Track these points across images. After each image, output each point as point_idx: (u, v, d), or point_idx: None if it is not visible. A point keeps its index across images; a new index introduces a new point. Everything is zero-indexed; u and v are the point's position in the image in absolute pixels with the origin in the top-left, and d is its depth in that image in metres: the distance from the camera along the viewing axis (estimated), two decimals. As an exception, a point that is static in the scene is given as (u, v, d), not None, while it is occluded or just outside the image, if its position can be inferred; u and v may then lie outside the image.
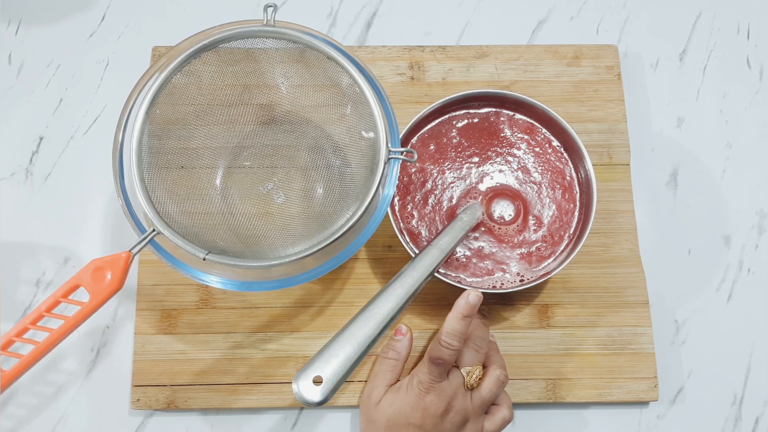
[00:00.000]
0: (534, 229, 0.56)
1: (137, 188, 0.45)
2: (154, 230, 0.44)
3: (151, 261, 0.58)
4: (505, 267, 0.55)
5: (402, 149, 0.47)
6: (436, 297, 0.58)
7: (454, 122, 0.59)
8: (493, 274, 0.55)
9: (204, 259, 0.44)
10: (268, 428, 0.57)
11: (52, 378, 0.57)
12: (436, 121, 0.59)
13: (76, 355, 0.58)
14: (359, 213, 0.46)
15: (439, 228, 0.56)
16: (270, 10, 0.48)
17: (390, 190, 0.49)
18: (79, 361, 0.58)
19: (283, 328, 0.57)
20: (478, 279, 0.55)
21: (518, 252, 0.56)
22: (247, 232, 0.53)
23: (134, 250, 0.44)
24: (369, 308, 0.49)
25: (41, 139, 0.63)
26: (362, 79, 0.48)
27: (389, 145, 0.47)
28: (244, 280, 0.48)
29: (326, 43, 0.49)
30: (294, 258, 0.45)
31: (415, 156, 0.47)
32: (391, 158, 0.47)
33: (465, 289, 0.50)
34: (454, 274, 0.55)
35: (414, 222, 0.57)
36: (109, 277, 0.42)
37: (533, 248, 0.56)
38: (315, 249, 0.46)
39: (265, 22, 0.48)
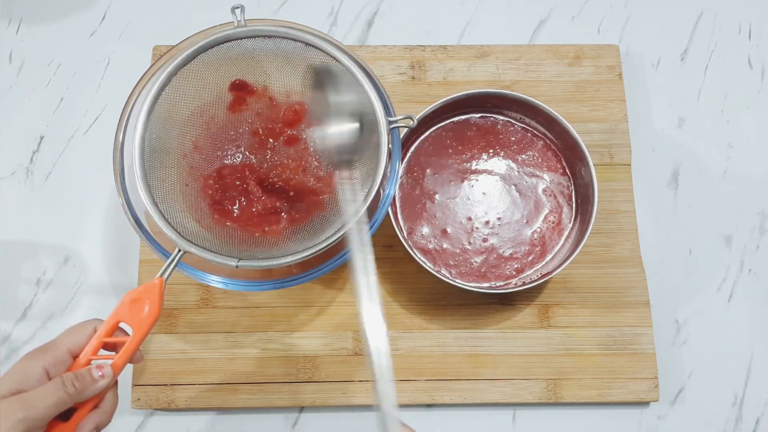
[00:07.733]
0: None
1: (142, 193, 0.45)
2: (179, 251, 0.44)
3: (151, 260, 0.58)
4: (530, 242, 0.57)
5: (400, 116, 0.48)
6: (436, 296, 0.58)
7: (455, 122, 0.59)
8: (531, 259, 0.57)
9: (237, 267, 0.45)
10: (268, 428, 0.56)
11: (52, 377, 0.57)
12: (438, 121, 0.59)
13: (76, 354, 0.58)
14: (360, 214, 0.46)
15: (438, 228, 0.56)
16: (238, 11, 0.48)
17: (390, 190, 0.49)
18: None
19: (283, 328, 0.57)
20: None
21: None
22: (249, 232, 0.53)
23: (165, 275, 0.43)
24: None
25: (42, 138, 0.63)
26: (353, 64, 0.48)
27: (387, 117, 0.48)
28: (244, 279, 0.48)
29: (326, 41, 0.49)
30: (295, 258, 0.45)
31: (414, 121, 0.48)
32: (393, 128, 0.48)
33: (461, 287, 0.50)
34: (503, 283, 0.56)
35: (414, 221, 0.57)
36: (147, 307, 0.42)
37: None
38: (316, 250, 0.46)
39: (236, 24, 0.48)
